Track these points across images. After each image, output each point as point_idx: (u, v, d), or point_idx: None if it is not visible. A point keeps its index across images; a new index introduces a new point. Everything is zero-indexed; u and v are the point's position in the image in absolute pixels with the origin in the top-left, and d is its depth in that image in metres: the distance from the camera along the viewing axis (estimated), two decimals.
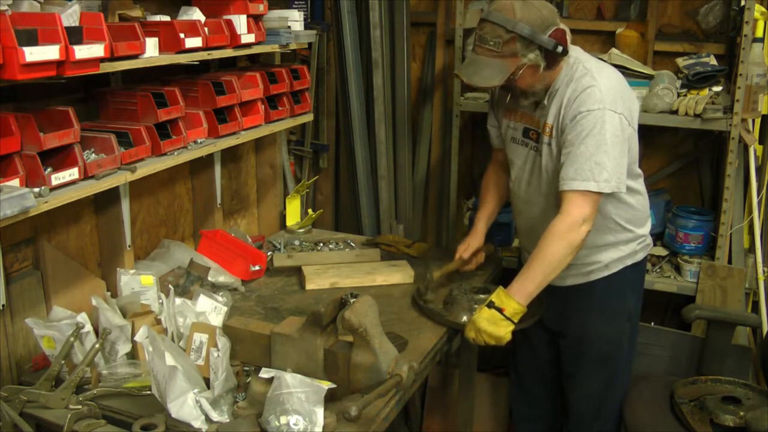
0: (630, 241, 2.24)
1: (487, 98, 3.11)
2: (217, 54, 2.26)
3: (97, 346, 1.82)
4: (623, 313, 2.33)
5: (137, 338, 1.80)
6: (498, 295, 2.03)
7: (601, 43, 3.24)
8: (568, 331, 2.35)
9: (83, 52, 1.69)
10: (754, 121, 2.89)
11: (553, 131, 2.10)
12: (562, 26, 2.04)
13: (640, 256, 2.31)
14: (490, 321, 2.00)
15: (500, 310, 2.00)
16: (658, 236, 3.03)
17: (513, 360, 2.64)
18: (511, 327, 2.01)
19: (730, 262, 2.88)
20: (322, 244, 2.85)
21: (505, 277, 2.80)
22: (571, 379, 2.41)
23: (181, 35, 2.07)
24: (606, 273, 2.25)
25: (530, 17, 1.96)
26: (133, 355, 1.91)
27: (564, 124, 2.05)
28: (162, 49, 2.04)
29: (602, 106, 1.99)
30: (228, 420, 1.66)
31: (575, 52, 2.12)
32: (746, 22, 2.59)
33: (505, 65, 2.00)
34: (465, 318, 2.14)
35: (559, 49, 2.00)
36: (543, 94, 2.11)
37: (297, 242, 2.88)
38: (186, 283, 2.26)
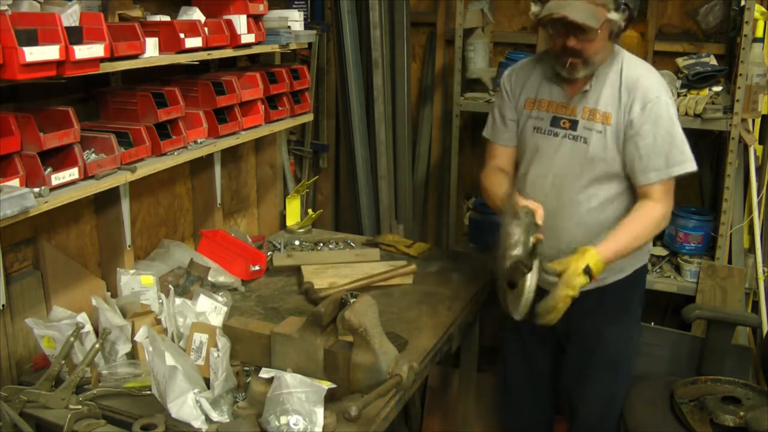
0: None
1: (487, 98, 3.12)
2: (217, 54, 2.26)
3: (97, 346, 1.82)
4: (632, 316, 2.31)
5: (137, 338, 1.80)
6: (595, 259, 1.94)
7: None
8: (577, 335, 2.31)
9: (83, 52, 1.69)
10: (754, 121, 2.89)
11: (612, 119, 2.06)
12: None
13: (644, 259, 2.32)
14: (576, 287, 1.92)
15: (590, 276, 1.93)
16: (658, 236, 3.03)
17: (503, 370, 2.57)
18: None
19: (730, 262, 2.88)
20: (322, 244, 2.85)
21: None
22: (578, 385, 2.37)
23: (181, 35, 2.07)
24: (619, 276, 2.22)
25: None
26: (133, 355, 1.91)
27: (633, 113, 2.03)
28: (162, 49, 2.04)
29: (662, 93, 2.05)
30: (228, 420, 1.66)
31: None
32: (746, 22, 2.59)
33: (596, 13, 1.95)
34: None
35: (635, 13, 2.02)
36: (594, 70, 2.07)
37: (297, 242, 2.88)
38: (186, 283, 2.26)
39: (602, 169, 2.09)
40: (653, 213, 2.06)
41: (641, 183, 2.06)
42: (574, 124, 2.12)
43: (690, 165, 2.06)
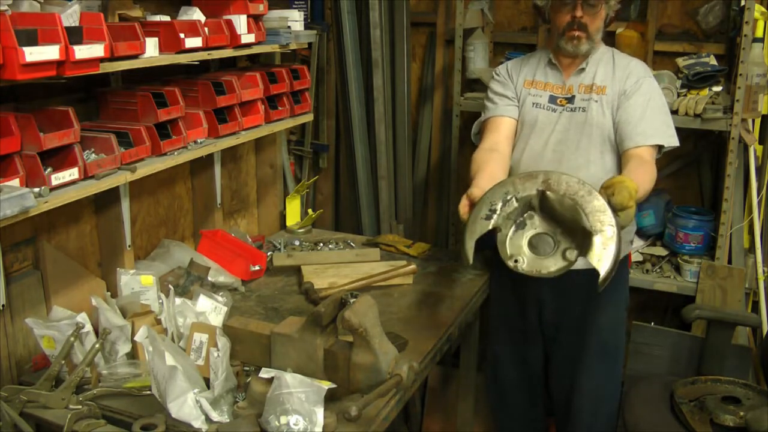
0: (629, 231, 2.30)
1: None
2: (217, 54, 2.26)
3: (97, 346, 1.82)
4: (622, 302, 2.39)
5: (137, 338, 1.80)
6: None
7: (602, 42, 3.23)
8: (569, 323, 2.34)
9: (83, 52, 1.69)
10: (754, 121, 2.89)
11: (607, 90, 2.22)
12: None
13: (629, 247, 2.42)
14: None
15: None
16: (658, 236, 3.04)
17: (494, 372, 2.59)
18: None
19: (730, 262, 2.88)
20: (322, 244, 2.85)
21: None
22: (571, 375, 2.40)
23: (181, 35, 2.07)
24: None
25: None
26: (133, 355, 1.91)
27: (627, 84, 2.20)
28: (162, 49, 2.04)
29: (652, 78, 2.24)
30: (228, 420, 1.66)
31: None
32: (746, 22, 2.59)
33: None
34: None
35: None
36: (592, 48, 2.24)
37: (297, 242, 2.88)
38: (186, 283, 2.26)
39: (599, 135, 2.20)
40: (651, 168, 2.06)
41: (633, 145, 2.12)
42: (571, 100, 2.25)
43: (676, 141, 2.17)
